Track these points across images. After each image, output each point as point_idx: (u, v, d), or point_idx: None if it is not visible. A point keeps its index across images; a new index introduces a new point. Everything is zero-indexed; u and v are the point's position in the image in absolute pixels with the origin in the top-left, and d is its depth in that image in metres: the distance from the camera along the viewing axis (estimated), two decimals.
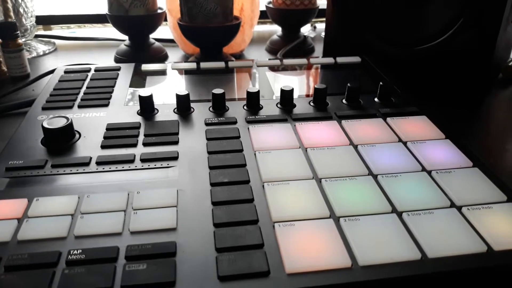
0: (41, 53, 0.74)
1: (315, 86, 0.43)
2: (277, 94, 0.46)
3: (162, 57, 0.71)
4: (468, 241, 0.27)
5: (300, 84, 0.50)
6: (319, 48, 0.76)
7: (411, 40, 0.55)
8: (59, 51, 0.77)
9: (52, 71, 0.58)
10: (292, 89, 0.43)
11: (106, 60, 0.71)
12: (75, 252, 0.26)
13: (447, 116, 0.48)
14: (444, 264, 0.26)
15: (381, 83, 0.44)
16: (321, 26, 0.89)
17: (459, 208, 0.30)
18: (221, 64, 0.53)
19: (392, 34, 0.56)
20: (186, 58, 0.72)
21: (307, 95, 0.46)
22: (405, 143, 0.37)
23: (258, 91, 0.42)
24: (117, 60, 0.70)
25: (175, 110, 0.42)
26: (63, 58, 0.74)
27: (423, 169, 0.34)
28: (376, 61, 0.54)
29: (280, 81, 0.50)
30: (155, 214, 0.29)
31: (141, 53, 0.69)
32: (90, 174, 0.33)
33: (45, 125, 0.37)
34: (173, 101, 0.43)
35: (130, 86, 0.48)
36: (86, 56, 0.74)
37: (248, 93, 0.42)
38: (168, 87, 0.49)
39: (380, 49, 0.56)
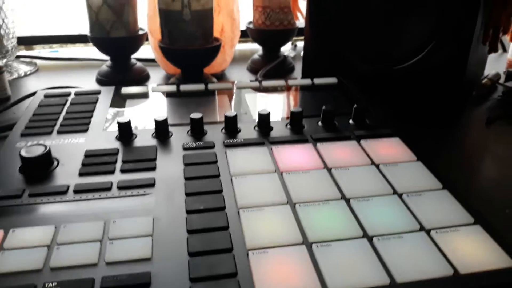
0: (23, 74, 0.74)
1: (291, 110, 0.44)
2: (256, 116, 0.47)
3: (143, 78, 0.72)
4: (435, 265, 0.28)
5: (278, 106, 0.51)
6: (299, 67, 0.77)
7: (387, 59, 0.57)
8: (41, 72, 0.77)
9: (32, 94, 0.58)
10: (269, 113, 0.43)
11: (88, 80, 0.71)
12: (50, 285, 0.26)
13: (420, 136, 0.50)
14: None
15: (355, 105, 0.45)
16: (301, 44, 0.91)
17: (427, 232, 0.31)
18: (201, 87, 0.54)
19: (368, 53, 0.57)
20: (167, 78, 0.73)
21: (286, 117, 0.47)
22: (377, 166, 0.38)
23: (236, 115, 0.43)
24: (98, 81, 0.70)
25: (154, 135, 0.43)
26: (45, 79, 0.74)
27: (394, 192, 0.35)
28: (352, 82, 0.55)
29: (259, 103, 0.51)
30: (131, 244, 0.29)
31: (122, 74, 0.70)
32: (67, 203, 0.34)
33: (23, 153, 0.37)
34: (153, 126, 0.44)
35: (110, 110, 0.48)
36: (68, 77, 0.74)
37: (226, 117, 0.43)
38: (148, 111, 0.49)
39: (357, 68, 0.58)
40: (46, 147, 0.38)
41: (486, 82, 0.66)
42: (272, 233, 0.30)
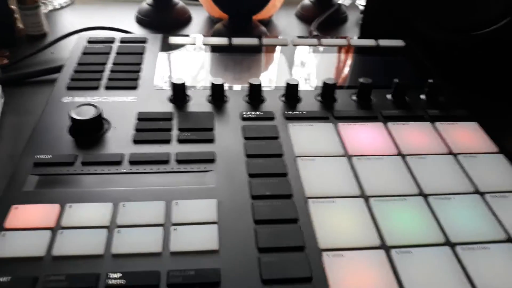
0: (58, 7, 0.70)
1: (360, 81, 0.40)
2: (316, 82, 0.43)
3: (186, 19, 0.67)
4: None
5: (339, 71, 0.47)
6: (352, 18, 0.71)
7: (463, 25, 0.51)
8: (76, 4, 0.73)
9: (71, 34, 0.55)
10: (335, 84, 0.39)
11: (127, 18, 0.67)
12: (115, 275, 0.25)
13: (500, 120, 0.44)
14: None
15: (431, 80, 0.41)
16: None
17: None
18: (254, 41, 0.49)
19: (441, 16, 0.51)
20: (211, 22, 0.68)
21: (349, 87, 0.43)
22: (455, 156, 0.35)
23: (298, 83, 0.39)
24: (138, 20, 0.65)
25: (209, 99, 0.40)
26: (81, 13, 0.69)
27: (476, 190, 0.32)
28: (420, 46, 0.50)
29: (318, 65, 0.47)
30: (196, 231, 0.27)
31: (164, 14, 0.65)
32: (123, 175, 0.31)
33: (74, 115, 0.34)
34: (204, 84, 0.41)
35: (158, 64, 0.45)
36: (106, 12, 0.69)
37: (288, 85, 0.39)
38: (198, 65, 0.45)
39: (426, 33, 0.52)
40: (97, 108, 0.35)
41: None
42: (346, 232, 0.28)
